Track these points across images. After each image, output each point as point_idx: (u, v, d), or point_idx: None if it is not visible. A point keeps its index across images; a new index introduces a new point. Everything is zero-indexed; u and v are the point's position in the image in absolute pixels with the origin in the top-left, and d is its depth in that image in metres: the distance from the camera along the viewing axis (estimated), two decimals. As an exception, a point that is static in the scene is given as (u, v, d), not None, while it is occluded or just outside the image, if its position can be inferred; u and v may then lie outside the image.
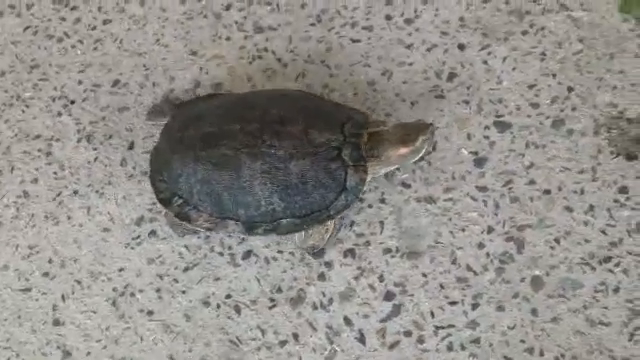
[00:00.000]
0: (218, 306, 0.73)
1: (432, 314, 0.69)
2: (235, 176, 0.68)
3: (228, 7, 0.91)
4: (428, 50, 0.84)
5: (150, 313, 0.74)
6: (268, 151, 0.68)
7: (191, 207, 0.71)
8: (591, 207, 0.71)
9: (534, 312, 0.67)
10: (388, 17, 0.87)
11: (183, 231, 0.75)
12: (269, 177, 0.68)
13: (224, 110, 0.73)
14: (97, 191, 0.82)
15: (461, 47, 0.83)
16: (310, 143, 0.68)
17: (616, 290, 0.67)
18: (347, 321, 0.70)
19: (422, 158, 0.72)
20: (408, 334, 0.69)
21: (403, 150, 0.70)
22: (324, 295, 0.72)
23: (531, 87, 0.79)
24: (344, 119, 0.71)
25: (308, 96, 0.76)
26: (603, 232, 0.70)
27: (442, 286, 0.70)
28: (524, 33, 0.82)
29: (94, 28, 0.93)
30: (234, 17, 0.91)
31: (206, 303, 0.73)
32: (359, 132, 0.71)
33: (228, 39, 0.89)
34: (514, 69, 0.81)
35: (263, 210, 0.69)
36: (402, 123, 0.75)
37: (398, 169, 0.75)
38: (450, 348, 0.67)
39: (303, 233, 0.71)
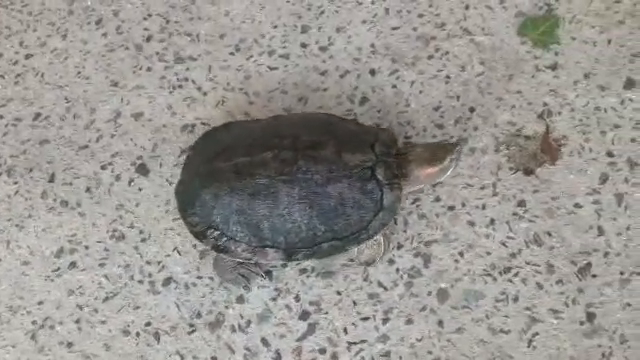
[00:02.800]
0: (138, 334, 0.74)
1: (345, 330, 0.72)
2: (273, 204, 0.69)
3: (149, 38, 0.93)
4: (341, 76, 0.88)
5: (70, 345, 0.74)
6: (305, 176, 0.69)
7: (228, 239, 0.70)
8: (492, 221, 0.76)
9: (440, 324, 0.71)
10: (304, 45, 0.91)
11: (233, 279, 0.73)
12: (308, 202, 0.69)
13: (252, 140, 0.73)
14: (17, 225, 0.82)
15: (372, 72, 0.88)
16: (344, 165, 0.70)
17: (515, 299, 0.71)
18: (264, 342, 0.72)
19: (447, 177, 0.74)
20: (323, 351, 0.71)
21: (431, 170, 0.72)
22: (242, 317, 0.74)
23: (436, 109, 0.84)
24: (372, 139, 0.73)
25: (330, 118, 0.78)
26: (503, 244, 0.74)
27: (355, 303, 0.73)
28: (430, 57, 0.87)
29: (15, 63, 0.94)
30: (155, 48, 0.93)
31: (126, 332, 0.74)
32: (389, 150, 0.72)
33: (149, 69, 0.91)
34: (421, 92, 0.85)
35: (304, 235, 0.70)
36: (429, 143, 0.77)
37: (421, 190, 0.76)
38: (362, 363, 0.71)
39: (356, 250, 0.72)
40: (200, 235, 0.71)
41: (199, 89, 0.89)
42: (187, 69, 0.90)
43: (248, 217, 0.69)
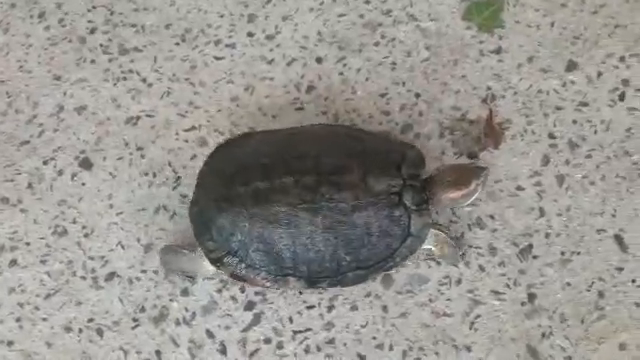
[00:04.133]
0: (80, 331, 0.72)
1: (291, 320, 0.71)
2: (295, 233, 0.66)
3: (93, 30, 0.91)
4: (288, 64, 0.87)
5: (10, 343, 0.72)
6: (328, 204, 0.65)
7: (247, 266, 0.67)
8: (436, 205, 0.76)
9: (385, 309, 0.71)
10: (250, 34, 0.90)
11: (183, 277, 0.72)
12: (332, 232, 0.66)
13: (270, 160, 0.69)
14: (-44, 223, 0.81)
15: (319, 60, 0.87)
16: (370, 191, 0.66)
17: (458, 282, 0.71)
18: (209, 334, 0.71)
19: (472, 202, 0.71)
20: (268, 341, 0.71)
21: (456, 194, 0.68)
22: (187, 310, 0.73)
23: (382, 95, 0.84)
24: (398, 158, 0.69)
25: (353, 134, 0.74)
26: (446, 228, 0.75)
27: (300, 291, 0.73)
28: (376, 44, 0.87)
29: (-46, 58, 0.92)
30: (99, 40, 0.91)
31: (68, 329, 0.73)
32: (417, 172, 0.69)
33: (93, 62, 0.89)
34: (367, 79, 0.85)
35: (327, 265, 0.67)
36: (456, 165, 0.74)
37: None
38: (307, 351, 0.69)
39: (432, 249, 0.69)
40: (217, 262, 0.68)
41: (144, 80, 0.87)
42: (132, 61, 0.89)
43: (268, 246, 0.66)
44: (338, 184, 0.66)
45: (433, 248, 0.70)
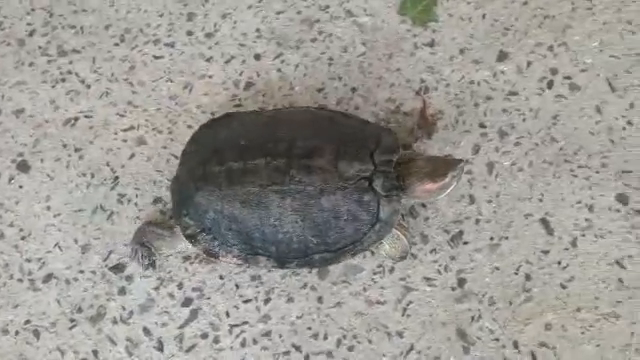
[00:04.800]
0: (17, 333, 0.72)
1: (227, 314, 0.72)
2: (264, 214, 0.67)
3: (32, 33, 0.91)
4: (227, 62, 0.88)
5: (-54, 349, 0.73)
6: (297, 187, 0.66)
7: (219, 243, 0.68)
8: (371, 196, 0.78)
9: (320, 299, 0.72)
10: (189, 32, 0.90)
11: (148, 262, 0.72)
12: (300, 214, 0.67)
13: (247, 142, 0.70)
14: None
15: (257, 57, 0.88)
16: (340, 176, 0.66)
17: (391, 270, 0.73)
18: (146, 331, 0.72)
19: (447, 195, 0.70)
20: (205, 336, 0.71)
21: (430, 186, 0.68)
22: (124, 309, 0.73)
23: (320, 90, 0.84)
24: (372, 144, 0.69)
25: (333, 117, 0.74)
26: (382, 218, 0.76)
27: (237, 286, 0.73)
28: (314, 40, 0.88)
29: None
30: (38, 42, 0.90)
31: (4, 331, 0.72)
32: (389, 159, 0.69)
33: (31, 65, 0.89)
34: (305, 75, 0.86)
35: (295, 247, 0.68)
36: (432, 157, 0.74)
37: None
38: (243, 344, 0.70)
39: (383, 251, 0.69)
40: (192, 238, 0.69)
41: (83, 82, 0.87)
42: (70, 62, 0.88)
43: (239, 225, 0.67)
44: (308, 167, 0.66)
45: (387, 246, 0.70)
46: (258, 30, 0.90)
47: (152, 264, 0.73)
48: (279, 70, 0.87)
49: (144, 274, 0.74)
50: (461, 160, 0.69)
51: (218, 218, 0.68)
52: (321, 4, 0.90)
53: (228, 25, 0.90)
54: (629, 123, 0.77)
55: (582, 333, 0.67)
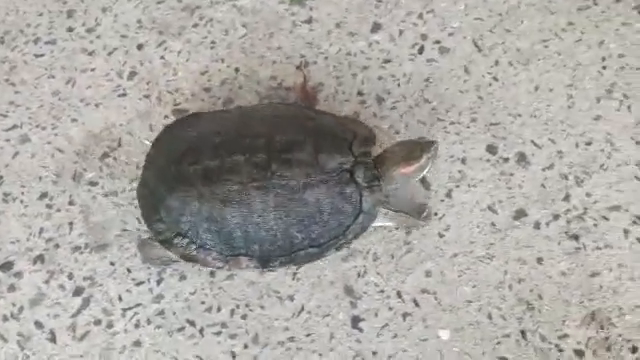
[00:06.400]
0: None
1: (120, 298, 0.72)
2: (247, 212, 0.64)
3: None
4: (109, 54, 0.88)
5: None
6: (279, 182, 0.64)
7: (197, 247, 0.65)
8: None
9: (212, 274, 0.72)
10: (70, 29, 0.89)
11: (161, 263, 0.69)
12: (284, 210, 0.65)
13: (221, 139, 0.67)
14: None
15: (140, 47, 0.88)
16: (321, 169, 0.65)
17: (281, 238, 0.75)
18: (38, 325, 0.71)
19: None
20: (98, 322, 0.71)
21: (407, 169, 0.68)
22: (14, 305, 0.72)
23: (203, 74, 0.86)
24: (350, 137, 0.69)
25: (307, 113, 0.73)
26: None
27: (129, 270, 0.73)
28: (195, 26, 0.89)
29: None
30: None
31: None
32: (368, 149, 0.68)
33: None
34: (188, 60, 0.87)
35: (280, 244, 0.66)
36: (404, 141, 0.72)
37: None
38: (137, 325, 0.70)
39: (395, 222, 0.68)
40: (167, 243, 0.66)
41: (-40, 86, 0.86)
42: (-53, 67, 0.87)
43: (219, 225, 0.65)
44: (289, 162, 0.65)
45: (391, 224, 0.70)
46: (139, 21, 0.90)
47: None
48: (162, 57, 0.87)
49: (33, 269, 0.73)
50: (434, 141, 0.70)
51: (195, 220, 0.65)
52: (201, -9, 0.92)
53: (109, 18, 0.90)
54: (494, 79, 0.81)
55: (459, 276, 0.71)
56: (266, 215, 0.65)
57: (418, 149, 0.69)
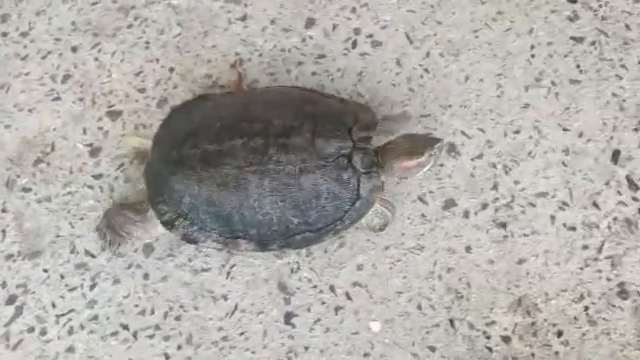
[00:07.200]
0: None
1: (54, 305, 0.72)
2: (243, 196, 0.65)
3: None
4: (43, 58, 0.87)
5: None
6: (276, 167, 0.65)
7: (198, 228, 0.66)
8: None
9: (146, 276, 0.73)
10: (4, 34, 0.88)
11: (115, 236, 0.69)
12: (280, 195, 0.65)
13: (222, 123, 0.68)
14: None
15: (74, 49, 0.87)
16: (319, 154, 0.65)
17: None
18: (-30, 335, 0.71)
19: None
20: (31, 330, 0.70)
21: (408, 163, 0.67)
22: (-55, 317, 0.72)
23: (138, 74, 0.85)
24: (351, 121, 0.68)
25: (309, 95, 0.72)
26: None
27: (62, 276, 0.73)
28: (130, 27, 0.88)
29: None
30: None
31: None
32: (368, 135, 0.68)
33: None
34: (122, 61, 0.86)
35: (276, 228, 0.66)
36: (411, 134, 0.72)
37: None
38: (71, 332, 0.70)
39: (364, 221, 0.67)
40: (168, 224, 0.67)
41: None
42: None
43: (217, 208, 0.66)
44: (286, 146, 0.65)
45: (368, 217, 0.68)
46: (74, 23, 0.89)
47: (117, 249, 0.70)
48: (96, 59, 0.86)
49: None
50: (440, 139, 0.68)
51: (195, 202, 0.66)
52: (136, -9, 0.91)
53: (43, 22, 0.89)
54: (426, 71, 0.82)
55: (390, 268, 0.71)
56: (262, 200, 0.66)
57: (422, 145, 0.68)
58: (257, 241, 0.68)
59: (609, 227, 0.71)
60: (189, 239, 0.69)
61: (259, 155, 0.66)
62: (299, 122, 0.67)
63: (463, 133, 0.77)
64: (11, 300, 0.72)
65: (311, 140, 0.66)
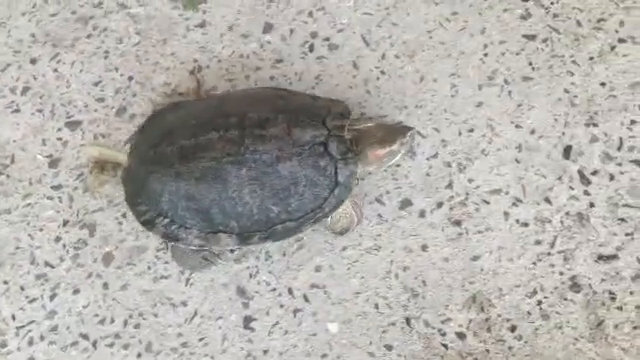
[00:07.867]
0: None
1: (14, 317, 0.72)
2: (222, 188, 0.66)
3: None
4: (2, 70, 0.87)
5: None
6: (253, 156, 0.65)
7: (178, 226, 0.66)
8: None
9: (105, 286, 0.73)
10: (-38, 47, 0.89)
11: (196, 265, 0.70)
12: (258, 184, 0.66)
13: (197, 120, 0.69)
14: None
15: (33, 61, 0.87)
16: (295, 142, 0.66)
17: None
18: None
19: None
20: (-9, 343, 0.72)
21: (379, 151, 0.69)
22: None
23: (97, 84, 0.85)
24: (324, 112, 0.69)
25: (281, 93, 0.74)
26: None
27: (22, 288, 0.73)
28: (89, 36, 0.88)
29: None
30: None
31: None
32: (342, 124, 0.69)
33: None
34: (81, 71, 0.86)
35: (257, 218, 0.66)
36: (384, 124, 0.74)
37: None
38: (31, 343, 0.70)
39: (330, 218, 0.68)
40: (148, 224, 0.68)
41: None
42: None
43: (197, 202, 0.66)
44: (262, 136, 0.66)
45: (332, 218, 0.69)
46: (33, 35, 0.89)
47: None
48: (55, 70, 0.87)
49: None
50: (411, 128, 0.71)
51: (174, 199, 0.67)
52: (94, 1, 0.90)
53: (3, 34, 0.89)
54: (382, 72, 0.83)
55: (348, 269, 0.72)
56: (241, 189, 0.66)
57: (393, 133, 0.70)
58: (238, 234, 0.68)
59: (561, 222, 0.72)
60: (170, 237, 0.69)
61: (236, 146, 0.67)
62: (274, 115, 0.69)
63: (419, 133, 0.78)
64: (-29, 313, 0.73)
65: (287, 130, 0.67)
